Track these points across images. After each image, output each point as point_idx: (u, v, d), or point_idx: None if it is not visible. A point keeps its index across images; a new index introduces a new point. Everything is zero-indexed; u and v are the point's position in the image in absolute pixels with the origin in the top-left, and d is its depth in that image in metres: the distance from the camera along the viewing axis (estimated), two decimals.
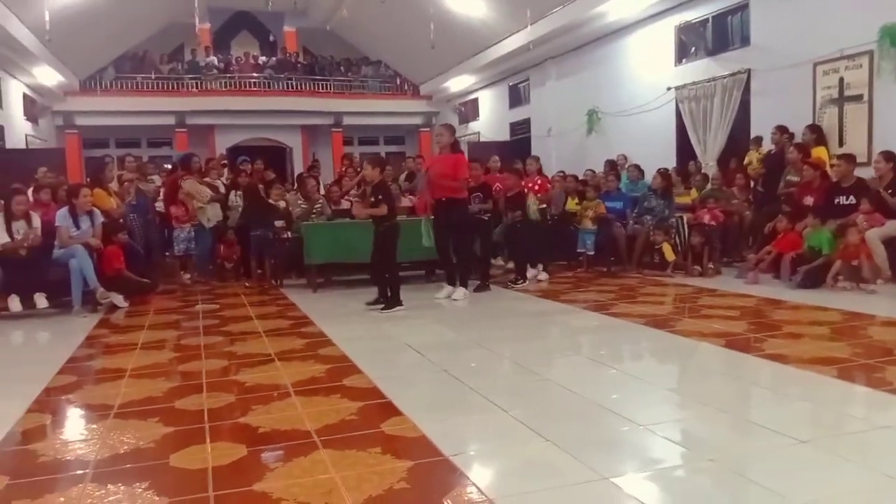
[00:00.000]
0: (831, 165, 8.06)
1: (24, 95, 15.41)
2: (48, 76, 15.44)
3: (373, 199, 6.59)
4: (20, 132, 14.93)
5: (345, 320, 6.22)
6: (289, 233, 8.64)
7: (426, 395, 3.86)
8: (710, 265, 8.11)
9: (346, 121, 21.00)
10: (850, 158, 7.53)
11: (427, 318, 6.34)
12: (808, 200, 7.61)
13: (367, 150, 21.77)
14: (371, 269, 6.89)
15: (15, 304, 6.81)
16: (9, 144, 13.75)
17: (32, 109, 16.06)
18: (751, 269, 7.55)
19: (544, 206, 8.59)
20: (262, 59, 21.30)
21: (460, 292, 7.11)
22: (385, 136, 23.16)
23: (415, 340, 5.16)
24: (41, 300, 6.88)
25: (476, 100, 19.26)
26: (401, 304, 6.50)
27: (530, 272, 8.24)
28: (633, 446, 2.99)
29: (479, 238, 7.74)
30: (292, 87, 20.24)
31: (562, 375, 4.20)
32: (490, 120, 18.55)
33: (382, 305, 6.52)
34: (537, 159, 9.22)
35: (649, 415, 3.34)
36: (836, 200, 7.41)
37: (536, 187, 8.51)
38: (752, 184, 9.26)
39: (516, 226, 8.09)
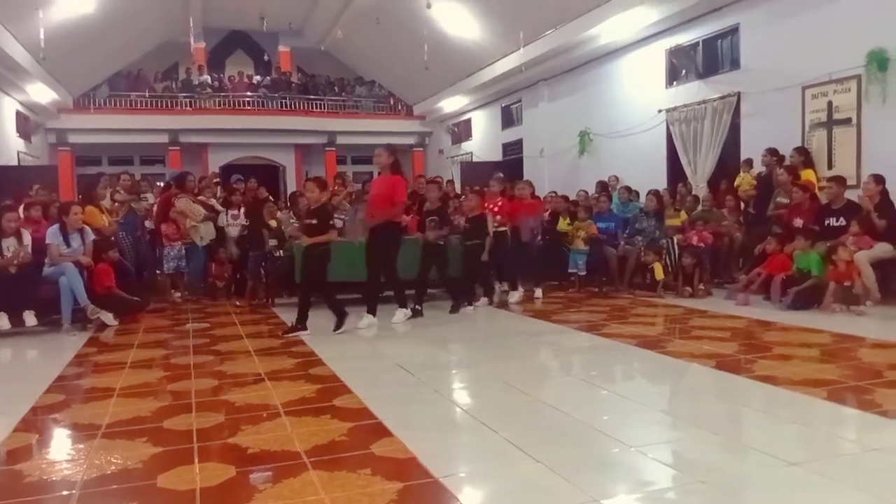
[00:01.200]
0: (820, 188, 8.13)
1: (18, 112, 15.41)
2: (42, 93, 15.46)
3: (314, 222, 6.40)
4: (13, 149, 14.91)
5: (335, 340, 6.19)
6: (281, 251, 8.62)
7: (417, 415, 3.84)
8: (701, 286, 8.14)
9: (340, 140, 21.09)
10: (840, 180, 7.60)
11: (418, 337, 6.33)
12: (798, 222, 7.65)
13: (361, 170, 21.79)
14: (301, 291, 6.64)
15: (3, 321, 6.74)
16: (1, 161, 13.72)
17: (25, 126, 16.06)
18: (741, 290, 7.58)
19: (504, 227, 8.11)
20: (257, 78, 21.39)
21: (400, 314, 6.95)
22: None
23: (406, 360, 5.14)
24: (30, 318, 6.83)
25: (469, 120, 19.39)
26: (344, 325, 6.38)
27: (513, 295, 8.14)
28: (625, 468, 2.98)
29: (436, 264, 7.59)
30: (286, 107, 20.33)
31: (553, 396, 4.19)
32: (483, 140, 18.66)
33: (335, 327, 6.37)
34: (500, 180, 8.74)
35: (640, 436, 3.34)
36: (827, 222, 7.47)
37: (496, 209, 8.13)
38: (742, 205, 9.33)
39: (474, 248, 7.78)
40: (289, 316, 7.46)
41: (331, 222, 6.81)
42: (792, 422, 3.52)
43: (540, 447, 3.14)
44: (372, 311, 6.77)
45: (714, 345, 5.35)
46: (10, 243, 6.91)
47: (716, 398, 4.10)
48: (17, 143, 15.28)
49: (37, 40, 11.90)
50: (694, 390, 4.41)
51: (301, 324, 6.39)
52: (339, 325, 6.38)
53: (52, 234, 7.08)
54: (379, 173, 7.24)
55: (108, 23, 14.62)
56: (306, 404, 4.01)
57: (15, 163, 14.73)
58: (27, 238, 7.06)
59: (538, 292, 8.53)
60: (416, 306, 7.33)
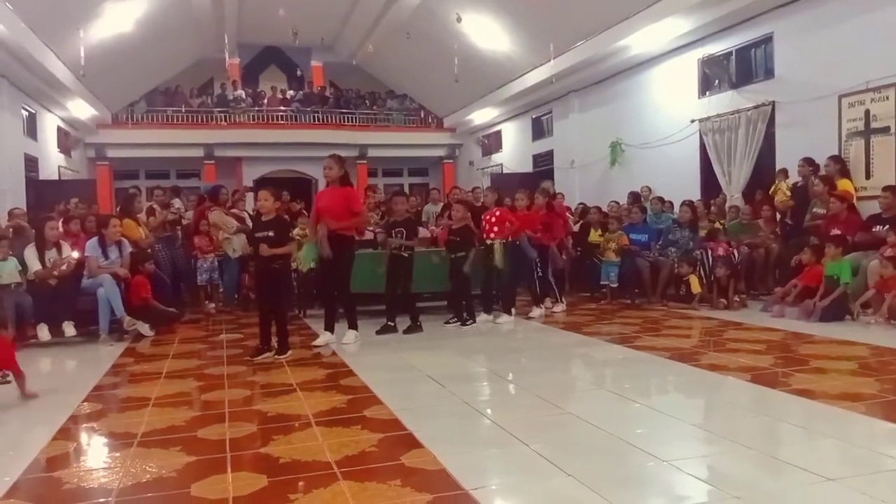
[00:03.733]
0: (859, 197, 7.99)
1: (59, 128, 15.82)
2: (82, 110, 15.86)
3: (270, 234, 5.92)
4: (54, 164, 15.31)
5: (367, 350, 6.23)
6: (312, 263, 8.68)
7: (447, 427, 3.83)
8: (736, 298, 8.02)
9: (371, 153, 21.24)
10: (895, 190, 7.51)
11: (449, 349, 6.32)
12: (836, 233, 7.53)
13: (392, 182, 22.00)
14: (261, 310, 6.14)
15: (44, 332, 6.90)
16: (42, 176, 14.10)
17: (66, 142, 16.48)
18: (777, 302, 7.46)
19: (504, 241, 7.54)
20: (290, 92, 21.71)
21: (350, 335, 6.48)
22: (409, 168, 23.41)
23: (436, 372, 5.14)
24: (69, 328, 6.98)
25: (499, 132, 19.40)
26: (289, 350, 5.96)
27: (535, 311, 7.91)
28: (658, 482, 2.94)
29: (402, 276, 7.11)
30: (318, 120, 20.59)
31: (585, 409, 4.15)
32: (513, 152, 18.65)
33: (274, 352, 5.93)
34: (494, 191, 8.20)
35: (674, 450, 3.29)
36: (875, 229, 7.40)
37: (494, 219, 7.54)
38: (778, 216, 9.18)
39: (458, 262, 7.36)
40: (320, 327, 7.50)
41: (290, 233, 6.45)
42: (830, 437, 3.44)
43: (572, 461, 3.11)
44: (352, 325, 6.55)
45: (749, 358, 5.26)
46: (51, 255, 7.09)
47: (751, 412, 4.02)
48: (57, 158, 15.68)
49: (77, 58, 12.25)
50: (729, 404, 4.34)
51: (266, 345, 5.95)
52: (279, 352, 5.90)
53: (91, 246, 7.25)
54: (327, 185, 6.66)
55: (146, 41, 14.96)
56: (337, 415, 4.04)
57: (56, 177, 15.13)
58: (67, 250, 7.24)
59: (558, 307, 8.34)
60: (390, 322, 7.09)
